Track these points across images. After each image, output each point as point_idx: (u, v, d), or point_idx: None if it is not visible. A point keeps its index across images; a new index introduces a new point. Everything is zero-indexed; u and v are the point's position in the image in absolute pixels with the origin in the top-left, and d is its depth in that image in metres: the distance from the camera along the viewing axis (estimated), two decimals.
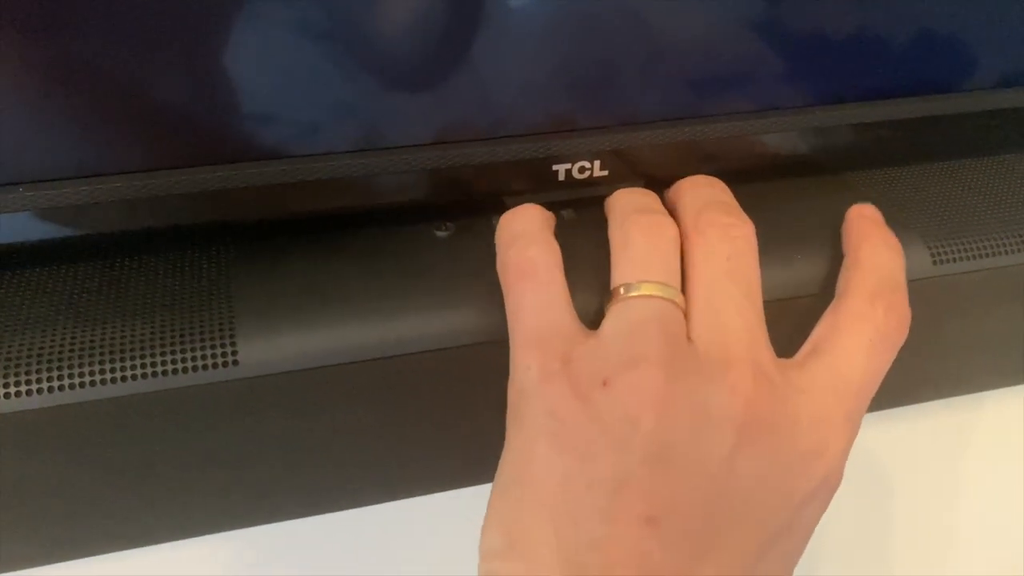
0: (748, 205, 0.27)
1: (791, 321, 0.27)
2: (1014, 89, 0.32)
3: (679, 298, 0.25)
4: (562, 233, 0.27)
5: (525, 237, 0.26)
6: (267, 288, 0.27)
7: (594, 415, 0.23)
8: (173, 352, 0.24)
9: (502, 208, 0.28)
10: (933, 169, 0.34)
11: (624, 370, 0.23)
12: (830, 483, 0.25)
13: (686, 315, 0.25)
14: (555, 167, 0.28)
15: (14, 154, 0.24)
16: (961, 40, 0.30)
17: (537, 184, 0.28)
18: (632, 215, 0.26)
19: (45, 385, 0.24)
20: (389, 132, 0.26)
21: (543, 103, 0.27)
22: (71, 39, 0.22)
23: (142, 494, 0.27)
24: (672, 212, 0.27)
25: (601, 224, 0.27)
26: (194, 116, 0.24)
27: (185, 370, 0.24)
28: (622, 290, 0.25)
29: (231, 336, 0.25)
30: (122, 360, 0.24)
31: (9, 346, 0.24)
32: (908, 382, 0.34)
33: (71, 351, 0.24)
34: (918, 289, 0.27)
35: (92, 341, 0.24)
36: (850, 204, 0.29)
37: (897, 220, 0.29)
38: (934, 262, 0.30)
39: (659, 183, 0.29)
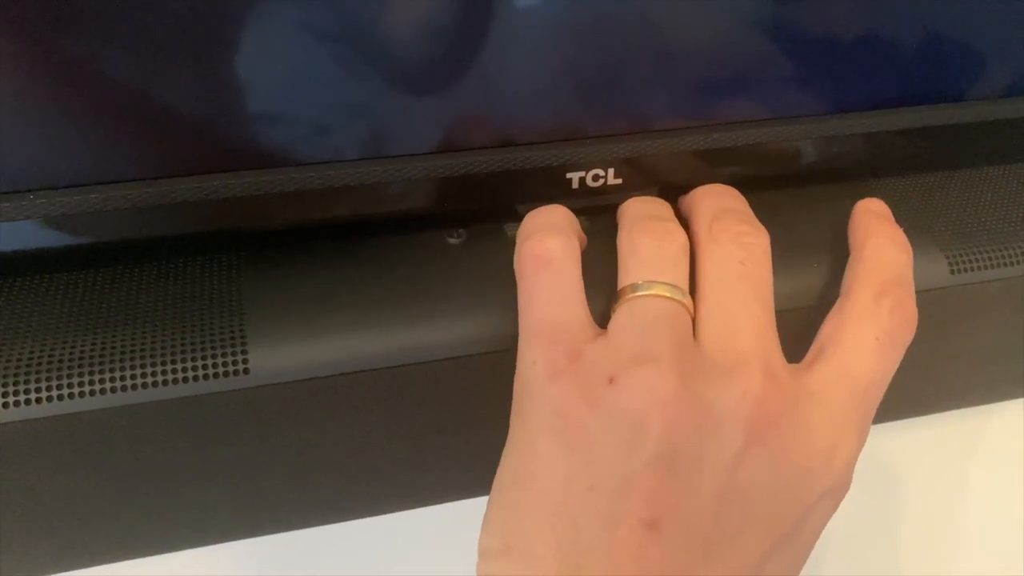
0: (762, 213, 0.27)
1: (805, 331, 0.27)
2: None
3: (687, 300, 0.24)
4: None
5: (547, 228, 0.26)
6: (278, 296, 0.26)
7: (599, 415, 0.23)
8: (184, 360, 0.24)
9: (515, 216, 0.28)
10: (950, 178, 0.34)
11: (631, 368, 0.23)
12: (839, 486, 0.25)
13: (694, 318, 0.25)
14: (569, 175, 0.28)
15: (25, 162, 0.24)
16: (976, 48, 0.30)
17: (550, 192, 0.28)
18: (641, 221, 0.26)
19: (55, 393, 0.23)
20: (401, 139, 0.26)
21: (557, 111, 0.27)
22: (83, 46, 0.22)
23: (152, 502, 0.27)
24: (686, 220, 0.27)
25: (614, 232, 0.27)
26: (204, 123, 0.24)
27: (196, 378, 0.24)
28: (629, 290, 0.25)
29: (242, 344, 0.25)
30: (132, 368, 0.24)
31: (20, 353, 0.24)
32: (927, 392, 0.34)
33: (80, 359, 0.24)
34: (936, 298, 0.27)
35: (102, 349, 0.24)
36: None
37: (914, 228, 0.29)
38: (952, 271, 0.29)
39: (673, 191, 0.28)
